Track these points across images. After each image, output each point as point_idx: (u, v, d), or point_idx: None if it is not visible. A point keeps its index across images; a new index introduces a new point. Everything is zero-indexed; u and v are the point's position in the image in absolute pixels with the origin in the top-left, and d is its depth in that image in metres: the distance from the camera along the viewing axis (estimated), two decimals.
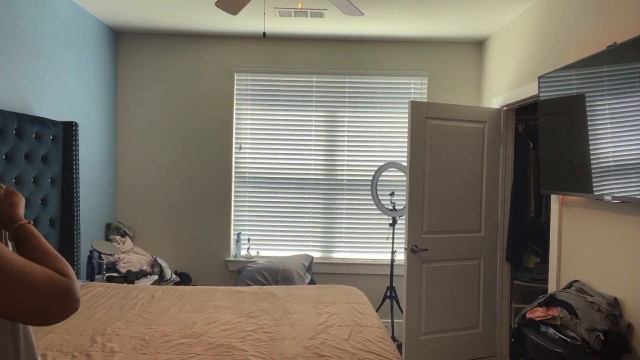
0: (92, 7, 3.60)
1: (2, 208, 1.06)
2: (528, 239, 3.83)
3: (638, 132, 2.00)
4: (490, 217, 3.78)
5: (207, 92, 4.28)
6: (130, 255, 3.86)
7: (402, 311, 3.78)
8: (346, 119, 4.33)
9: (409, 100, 3.49)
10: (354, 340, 2.21)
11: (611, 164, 2.19)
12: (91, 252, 3.44)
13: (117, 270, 3.66)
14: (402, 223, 3.93)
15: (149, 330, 2.29)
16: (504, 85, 3.76)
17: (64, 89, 3.40)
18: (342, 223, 4.36)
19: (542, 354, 2.31)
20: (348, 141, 4.34)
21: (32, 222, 1.06)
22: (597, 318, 2.15)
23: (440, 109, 3.58)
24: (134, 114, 4.27)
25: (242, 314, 2.56)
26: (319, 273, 4.26)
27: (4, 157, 2.64)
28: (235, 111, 4.31)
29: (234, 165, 4.32)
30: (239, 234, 4.29)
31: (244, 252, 4.30)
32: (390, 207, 4.02)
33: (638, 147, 2.01)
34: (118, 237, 3.98)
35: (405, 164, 3.69)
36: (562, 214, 2.86)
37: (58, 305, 0.88)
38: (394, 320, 4.02)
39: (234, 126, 4.31)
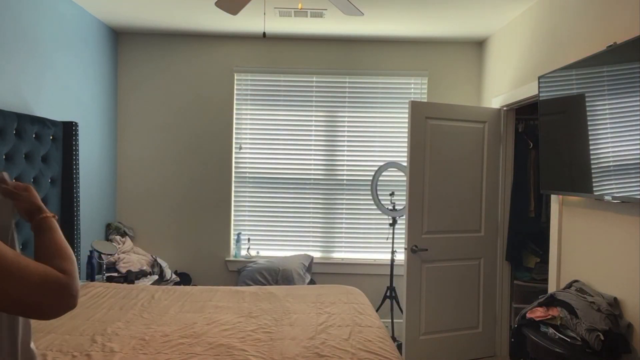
0: (92, 7, 3.60)
1: (27, 200, 1.10)
2: (528, 239, 3.83)
3: (638, 132, 2.00)
4: (490, 217, 3.78)
5: (207, 92, 4.28)
6: (130, 255, 3.86)
7: (402, 311, 3.78)
8: (346, 119, 4.33)
9: (409, 100, 3.49)
10: (354, 340, 2.21)
11: (611, 164, 2.19)
12: (91, 252, 3.44)
13: (117, 270, 3.66)
14: (402, 223, 3.93)
15: (149, 330, 2.29)
16: (504, 85, 3.76)
17: (64, 89, 3.40)
18: (342, 223, 4.36)
19: (542, 354, 2.31)
20: (348, 141, 4.34)
21: (56, 217, 1.10)
22: (597, 318, 2.15)
23: (440, 109, 3.58)
24: (134, 113, 4.27)
25: (242, 314, 2.56)
26: (319, 273, 4.26)
27: (4, 157, 2.64)
28: (235, 111, 4.31)
29: (234, 165, 4.32)
30: (239, 234, 4.29)
31: (244, 252, 4.30)
32: (390, 207, 4.02)
33: (638, 147, 2.01)
34: (118, 237, 3.98)
35: (405, 164, 3.69)
36: (562, 214, 2.86)
37: (51, 300, 0.90)
38: (394, 320, 4.02)
39: (234, 126, 4.31)
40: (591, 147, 2.33)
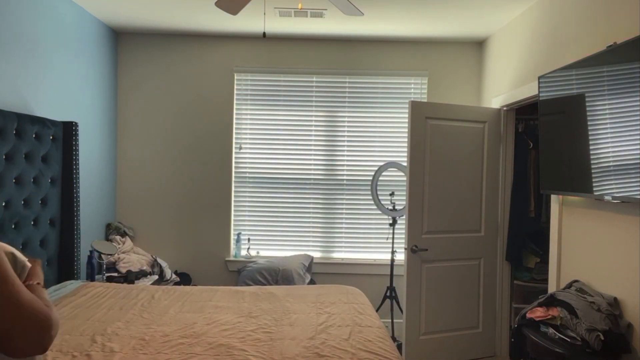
0: (92, 7, 3.60)
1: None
2: (528, 239, 3.83)
3: (638, 132, 2.00)
4: (490, 217, 3.78)
5: (207, 92, 4.28)
6: (130, 255, 3.86)
7: (402, 311, 3.78)
8: (346, 119, 4.33)
9: (409, 100, 3.49)
10: (354, 340, 2.21)
11: (611, 164, 2.19)
12: (91, 252, 3.44)
13: (117, 270, 3.66)
14: (402, 223, 3.93)
15: (149, 330, 2.29)
16: (504, 85, 3.76)
17: (64, 89, 3.40)
18: (342, 223, 4.36)
19: (542, 354, 2.31)
20: (348, 141, 4.34)
21: (43, 285, 1.14)
22: (597, 318, 2.15)
23: (440, 109, 3.58)
24: (134, 113, 4.27)
25: (242, 314, 2.56)
26: (319, 273, 4.26)
27: (4, 157, 2.64)
28: (235, 111, 4.31)
29: (234, 165, 4.32)
30: (239, 234, 4.29)
31: (244, 252, 4.30)
32: (390, 207, 4.02)
33: (638, 147, 2.01)
34: (118, 237, 3.98)
35: (405, 164, 3.69)
36: (562, 214, 2.86)
37: (31, 330, 0.93)
38: (394, 320, 4.02)
39: (234, 126, 4.31)
40: (591, 147, 2.33)
